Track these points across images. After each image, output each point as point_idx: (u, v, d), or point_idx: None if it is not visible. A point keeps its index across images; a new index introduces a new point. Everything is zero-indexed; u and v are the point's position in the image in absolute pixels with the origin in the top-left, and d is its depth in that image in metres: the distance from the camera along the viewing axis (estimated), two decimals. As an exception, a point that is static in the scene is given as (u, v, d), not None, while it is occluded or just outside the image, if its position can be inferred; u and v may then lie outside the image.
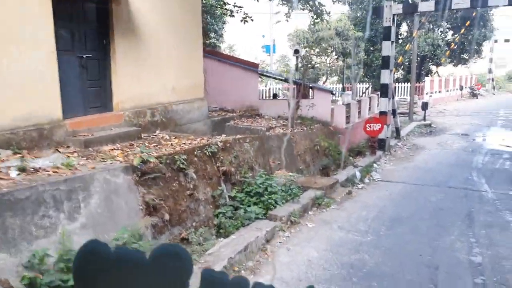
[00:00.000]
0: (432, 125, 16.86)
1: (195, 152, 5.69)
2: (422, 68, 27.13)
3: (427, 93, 22.79)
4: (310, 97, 11.63)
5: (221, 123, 8.93)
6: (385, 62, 11.72)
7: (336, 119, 11.81)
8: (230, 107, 11.20)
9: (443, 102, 25.32)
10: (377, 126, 10.99)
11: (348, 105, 12.71)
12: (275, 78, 15.25)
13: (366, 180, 9.12)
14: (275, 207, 6.11)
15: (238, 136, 7.12)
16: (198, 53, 8.15)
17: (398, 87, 24.70)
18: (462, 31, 23.97)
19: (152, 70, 7.11)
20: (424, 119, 17.52)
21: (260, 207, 5.78)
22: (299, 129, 9.88)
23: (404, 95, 24.72)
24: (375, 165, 10.46)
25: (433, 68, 28.49)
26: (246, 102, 11.50)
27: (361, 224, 6.16)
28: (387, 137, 12.06)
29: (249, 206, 5.85)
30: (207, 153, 5.85)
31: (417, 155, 11.79)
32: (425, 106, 17.65)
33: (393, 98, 12.74)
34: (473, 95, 29.03)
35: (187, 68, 7.90)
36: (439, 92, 25.83)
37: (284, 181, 7.26)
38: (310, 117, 11.09)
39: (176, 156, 5.29)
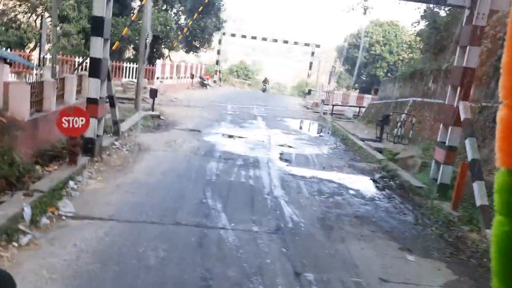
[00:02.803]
0: (161, 117, 14.28)
1: None
2: (155, 50, 24.68)
3: (158, 78, 20.37)
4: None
5: None
6: (96, 26, 7.95)
7: (14, 104, 7.21)
8: None
9: (174, 89, 23.62)
10: (80, 122, 7.16)
11: (40, 84, 8.27)
12: None
13: (45, 221, 5.22)
14: None
15: None
16: None
17: (128, 67, 21.26)
18: (195, 16, 22.78)
19: None
20: (153, 109, 14.78)
21: None
22: None
23: (134, 78, 21.53)
24: (71, 183, 6.63)
25: (166, 51, 26.62)
26: None
27: None
28: (98, 136, 8.41)
29: None
30: None
31: (139, 162, 8.68)
32: (154, 93, 14.90)
33: (109, 80, 9.14)
34: (203, 84, 28.94)
35: None
36: (171, 78, 24.01)
37: None
38: (-48, 99, 6.14)
39: None
